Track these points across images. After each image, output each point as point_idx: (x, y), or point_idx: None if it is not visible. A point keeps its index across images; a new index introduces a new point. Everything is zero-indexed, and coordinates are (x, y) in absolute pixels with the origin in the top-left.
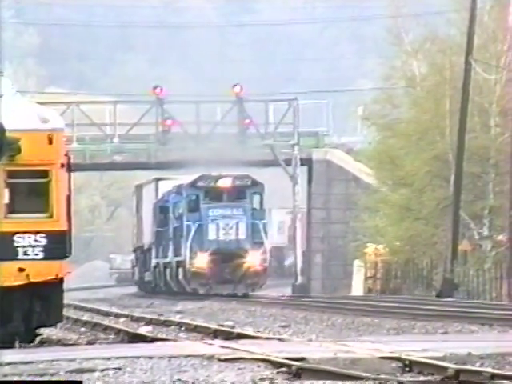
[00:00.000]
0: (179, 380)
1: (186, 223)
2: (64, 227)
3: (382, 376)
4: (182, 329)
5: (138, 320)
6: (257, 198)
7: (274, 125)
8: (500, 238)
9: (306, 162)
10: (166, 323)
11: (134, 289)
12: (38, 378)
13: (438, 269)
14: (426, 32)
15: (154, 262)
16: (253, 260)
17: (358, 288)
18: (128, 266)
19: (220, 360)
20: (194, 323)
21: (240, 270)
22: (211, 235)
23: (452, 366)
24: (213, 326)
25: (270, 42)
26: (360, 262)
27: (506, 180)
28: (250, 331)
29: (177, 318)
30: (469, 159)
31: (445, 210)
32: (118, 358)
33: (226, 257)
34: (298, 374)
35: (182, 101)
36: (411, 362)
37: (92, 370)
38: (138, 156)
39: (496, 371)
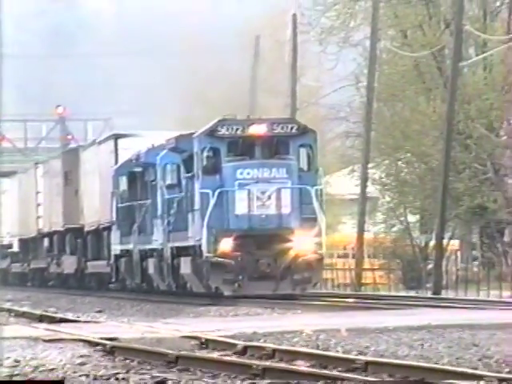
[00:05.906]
0: (8, 358)
1: (200, 191)
2: None
3: (183, 352)
4: (12, 314)
5: None
6: (306, 152)
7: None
8: None
9: None
10: None
11: None
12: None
13: None
14: (215, 67)
15: (116, 248)
16: (302, 245)
17: None
18: None
19: (44, 341)
20: (22, 310)
21: (284, 260)
22: (240, 208)
23: (240, 343)
24: (38, 311)
25: (90, 70)
26: None
27: None
28: (70, 316)
29: (7, 306)
30: None
31: None
32: None
33: (263, 241)
34: (111, 351)
35: (12, 120)
36: (207, 340)
37: None
38: None
39: (276, 346)
